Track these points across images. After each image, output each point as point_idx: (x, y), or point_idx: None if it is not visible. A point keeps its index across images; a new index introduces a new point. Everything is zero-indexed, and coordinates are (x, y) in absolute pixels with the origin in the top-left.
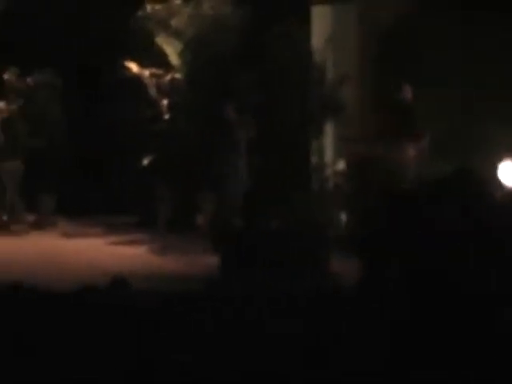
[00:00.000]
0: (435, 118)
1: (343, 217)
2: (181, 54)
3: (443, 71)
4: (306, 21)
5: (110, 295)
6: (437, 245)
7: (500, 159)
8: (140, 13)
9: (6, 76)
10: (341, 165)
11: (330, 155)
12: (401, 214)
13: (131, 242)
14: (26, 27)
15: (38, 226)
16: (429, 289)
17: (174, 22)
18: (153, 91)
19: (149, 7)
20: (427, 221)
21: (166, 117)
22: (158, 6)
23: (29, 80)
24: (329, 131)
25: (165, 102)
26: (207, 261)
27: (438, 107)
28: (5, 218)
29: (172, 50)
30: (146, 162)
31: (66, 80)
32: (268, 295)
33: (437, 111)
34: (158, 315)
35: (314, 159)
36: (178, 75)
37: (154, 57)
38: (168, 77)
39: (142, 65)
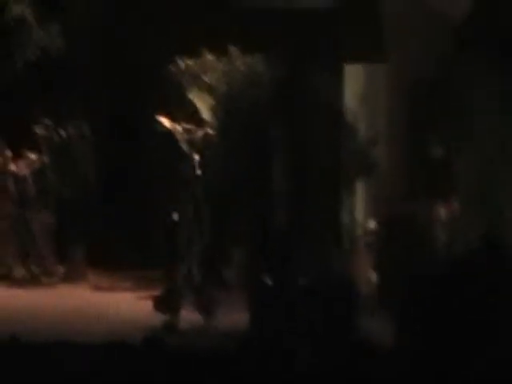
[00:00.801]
0: (472, 173)
1: (373, 276)
2: (213, 110)
3: (478, 126)
4: (338, 79)
5: (142, 352)
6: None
7: None
8: (173, 68)
9: (37, 129)
10: (372, 224)
11: (361, 214)
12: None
13: None
14: (59, 79)
15: (69, 278)
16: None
17: (206, 78)
18: (185, 146)
19: (181, 62)
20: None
21: (199, 172)
22: (190, 61)
23: (61, 132)
24: (360, 189)
25: (197, 157)
26: (237, 315)
27: (474, 162)
28: (35, 269)
29: (204, 105)
30: (176, 216)
31: (99, 132)
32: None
33: (473, 166)
34: (190, 374)
35: (345, 217)
36: (210, 130)
37: (186, 111)
38: (201, 132)
39: (174, 119)
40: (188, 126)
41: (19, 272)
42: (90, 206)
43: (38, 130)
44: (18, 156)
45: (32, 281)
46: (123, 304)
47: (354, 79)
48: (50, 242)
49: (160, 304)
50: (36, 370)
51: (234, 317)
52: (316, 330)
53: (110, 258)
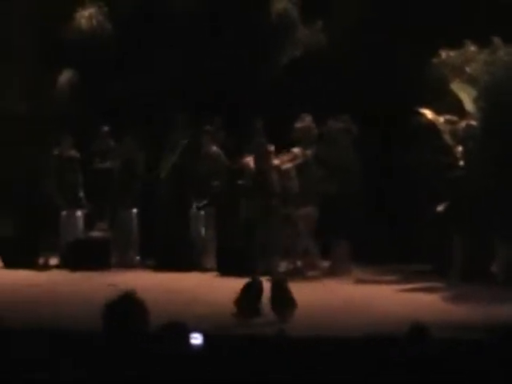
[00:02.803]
0: None
1: None
2: (476, 101)
3: None
4: None
5: (408, 344)
6: None
7: None
8: (435, 60)
9: (297, 124)
10: None
11: None
12: None
13: (425, 290)
14: (322, 76)
15: (332, 272)
16: None
17: (468, 69)
18: (447, 138)
19: (444, 54)
20: None
21: (461, 164)
22: (452, 53)
23: (325, 126)
24: None
25: (459, 148)
26: (504, 310)
27: None
28: (299, 263)
29: (466, 97)
30: (440, 208)
31: (362, 127)
32: None
33: None
34: (457, 366)
35: None
36: (473, 122)
37: (448, 103)
38: (463, 123)
39: (436, 111)
40: (450, 117)
41: (283, 266)
42: (353, 201)
43: (298, 125)
44: (281, 150)
45: (296, 274)
46: (385, 296)
47: None
48: (314, 237)
49: None
50: (301, 364)
51: (499, 310)
52: None
53: (374, 252)
